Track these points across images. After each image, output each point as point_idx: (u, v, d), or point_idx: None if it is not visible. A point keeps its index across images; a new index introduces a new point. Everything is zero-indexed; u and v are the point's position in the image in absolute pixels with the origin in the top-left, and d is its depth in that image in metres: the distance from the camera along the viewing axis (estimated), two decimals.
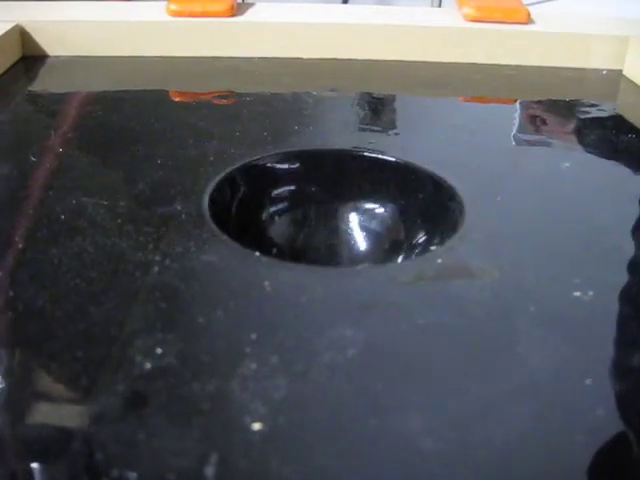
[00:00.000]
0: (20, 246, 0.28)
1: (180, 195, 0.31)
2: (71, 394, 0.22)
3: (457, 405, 0.21)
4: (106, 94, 0.44)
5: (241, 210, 0.33)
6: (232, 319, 0.24)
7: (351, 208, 0.36)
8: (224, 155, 0.35)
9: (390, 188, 0.35)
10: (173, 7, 0.50)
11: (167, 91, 0.44)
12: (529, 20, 0.52)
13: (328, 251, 0.35)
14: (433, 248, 0.31)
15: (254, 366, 0.22)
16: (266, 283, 0.26)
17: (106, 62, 0.48)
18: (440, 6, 0.59)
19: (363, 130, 0.41)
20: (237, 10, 0.50)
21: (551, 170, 0.37)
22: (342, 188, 0.36)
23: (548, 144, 0.41)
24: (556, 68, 0.50)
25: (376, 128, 0.41)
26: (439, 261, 0.28)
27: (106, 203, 0.31)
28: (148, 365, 0.22)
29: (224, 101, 0.43)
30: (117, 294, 0.25)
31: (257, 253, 0.27)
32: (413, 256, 0.32)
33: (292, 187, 0.35)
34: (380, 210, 0.36)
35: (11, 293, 0.26)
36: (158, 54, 0.49)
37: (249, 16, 0.50)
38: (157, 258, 0.27)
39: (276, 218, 0.35)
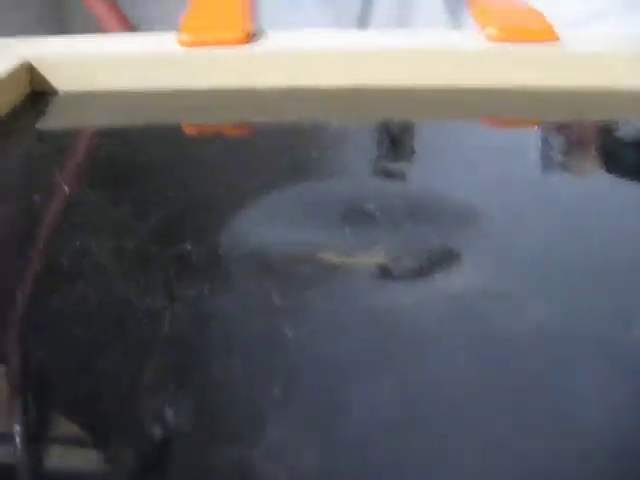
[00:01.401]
0: (19, 293, 0.26)
1: (191, 233, 0.29)
2: (72, 462, 0.20)
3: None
4: (115, 129, 0.42)
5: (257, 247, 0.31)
6: (251, 372, 0.22)
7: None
8: (238, 189, 0.33)
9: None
10: (184, 37, 0.48)
11: (179, 125, 0.43)
12: (556, 39, 0.50)
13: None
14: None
15: (277, 430, 0.19)
16: (286, 330, 0.23)
17: (116, 96, 0.46)
18: (460, 27, 0.57)
19: (383, 158, 0.39)
20: (252, 38, 0.48)
21: (582, 196, 0.34)
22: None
23: (577, 168, 0.38)
24: (586, 88, 0.48)
25: (396, 156, 0.39)
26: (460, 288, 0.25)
27: (112, 244, 0.29)
28: (159, 429, 0.20)
29: (237, 133, 0.41)
30: (123, 346, 0.23)
31: (275, 297, 0.25)
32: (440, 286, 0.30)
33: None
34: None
35: (7, 346, 0.23)
36: (170, 86, 0.47)
37: (264, 44, 0.48)
38: (166, 304, 0.25)
39: None
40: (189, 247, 0.28)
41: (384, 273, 0.29)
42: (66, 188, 0.35)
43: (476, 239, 0.31)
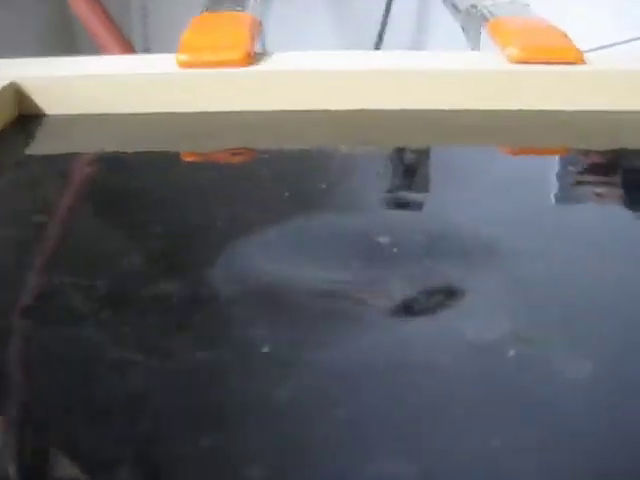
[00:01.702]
0: None
1: (177, 271, 0.26)
2: None
3: None
4: (107, 155, 0.39)
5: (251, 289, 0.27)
6: (234, 445, 0.18)
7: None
8: (235, 221, 0.30)
9: None
10: (183, 57, 0.45)
11: (175, 151, 0.39)
12: (582, 60, 0.46)
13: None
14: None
15: None
16: (281, 391, 0.20)
17: (109, 120, 0.43)
18: (479, 49, 0.54)
19: (396, 188, 0.35)
20: (254, 59, 0.45)
21: (608, 233, 0.31)
22: None
23: (605, 202, 0.35)
24: (617, 112, 0.44)
25: (411, 185, 0.35)
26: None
27: (86, 283, 0.25)
28: None
29: (238, 159, 0.37)
30: (86, 408, 0.20)
31: (266, 349, 0.21)
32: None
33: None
34: None
35: None
36: (167, 110, 0.44)
37: (268, 65, 0.45)
38: (139, 357, 0.21)
39: None
40: (171, 287, 0.25)
41: (396, 314, 0.25)
42: (49, 219, 0.32)
43: (493, 276, 0.27)
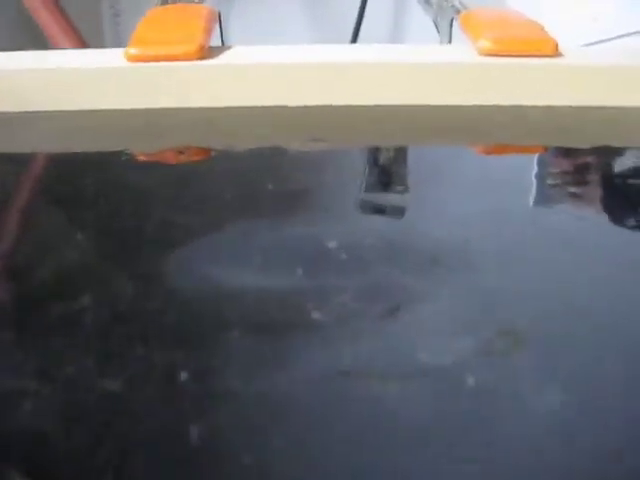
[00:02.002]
0: None
1: (94, 285, 0.23)
2: None
3: None
4: (47, 154, 0.36)
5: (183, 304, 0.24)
6: None
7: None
8: (169, 227, 0.27)
9: None
10: (132, 51, 0.42)
11: (116, 149, 0.36)
12: (557, 52, 0.43)
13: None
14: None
15: None
16: (193, 429, 0.17)
17: (48, 118, 0.40)
18: (450, 42, 0.52)
19: (360, 190, 0.32)
20: (208, 53, 0.42)
21: (586, 236, 0.28)
22: None
23: (581, 203, 0.32)
24: (593, 108, 0.42)
25: (369, 186, 0.33)
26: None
27: None
28: None
29: (184, 159, 0.34)
30: None
31: (184, 376, 0.18)
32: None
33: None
34: None
35: None
36: (112, 107, 0.41)
37: (222, 58, 0.42)
38: (34, 386, 0.18)
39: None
40: (85, 303, 0.22)
41: (340, 330, 0.22)
42: None
43: (457, 287, 0.24)
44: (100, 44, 0.88)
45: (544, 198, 0.34)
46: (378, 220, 0.30)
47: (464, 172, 0.36)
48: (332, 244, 0.26)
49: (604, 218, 0.32)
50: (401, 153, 0.39)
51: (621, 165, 0.38)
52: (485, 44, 0.43)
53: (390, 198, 0.32)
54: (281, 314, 0.22)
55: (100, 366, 0.19)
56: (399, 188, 0.34)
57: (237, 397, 0.18)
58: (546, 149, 0.40)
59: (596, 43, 0.72)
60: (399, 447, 0.17)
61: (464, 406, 0.18)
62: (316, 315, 0.22)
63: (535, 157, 0.40)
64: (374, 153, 0.38)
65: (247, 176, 0.32)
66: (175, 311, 0.23)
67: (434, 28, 0.65)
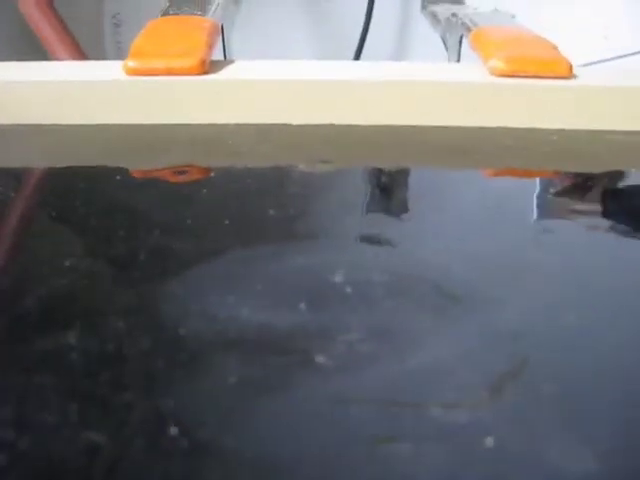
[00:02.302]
0: None
1: (80, 318, 0.21)
2: None
3: None
4: (42, 170, 0.35)
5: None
6: None
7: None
8: (162, 253, 0.25)
9: None
10: (131, 64, 0.40)
11: (112, 166, 0.35)
12: (571, 74, 0.42)
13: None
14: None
15: None
16: None
17: (43, 131, 0.38)
18: (459, 60, 0.50)
19: (366, 213, 0.31)
20: (209, 67, 0.41)
21: (601, 274, 0.26)
22: None
23: (598, 237, 0.30)
24: (609, 132, 0.40)
25: (381, 211, 0.31)
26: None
27: None
28: None
29: (180, 178, 0.33)
30: None
31: (175, 430, 0.17)
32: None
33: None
34: None
35: None
36: (110, 121, 0.39)
37: (224, 74, 0.41)
38: (10, 436, 0.16)
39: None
40: (70, 339, 0.20)
41: (344, 373, 0.20)
42: None
43: (462, 327, 0.23)
44: (101, 55, 0.86)
45: (546, 217, 0.32)
46: (380, 246, 0.29)
47: (465, 194, 0.35)
48: (335, 275, 0.25)
49: (609, 234, 0.30)
50: (403, 175, 0.37)
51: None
52: (497, 64, 0.42)
53: (380, 225, 0.30)
54: (282, 355, 0.21)
55: (83, 415, 0.17)
56: (400, 211, 0.32)
57: (232, 454, 0.16)
58: (557, 174, 0.38)
59: (607, 60, 0.71)
60: None
61: (480, 468, 0.17)
62: (320, 358, 0.20)
63: (545, 181, 0.38)
64: (376, 175, 0.37)
65: (247, 199, 0.30)
66: (165, 352, 0.21)
67: (440, 45, 0.63)
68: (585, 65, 0.56)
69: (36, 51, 0.67)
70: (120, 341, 0.20)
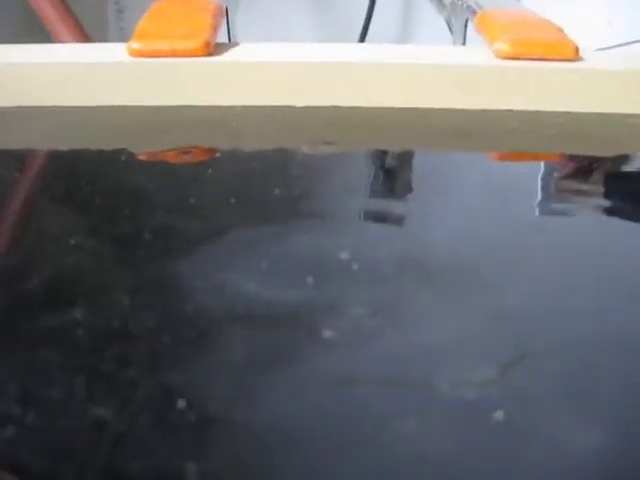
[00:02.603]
0: None
1: (87, 296, 0.21)
2: None
3: None
4: (47, 151, 0.35)
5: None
6: None
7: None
8: (167, 232, 0.25)
9: None
10: (135, 46, 0.40)
11: (117, 148, 0.34)
12: (577, 56, 0.42)
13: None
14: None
15: None
16: (190, 466, 0.15)
17: (47, 114, 0.38)
18: (464, 44, 0.50)
19: (369, 195, 0.31)
20: (214, 49, 0.41)
21: (608, 255, 0.26)
22: None
23: (605, 219, 0.30)
24: (617, 115, 0.40)
25: (386, 192, 0.31)
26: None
27: None
28: None
29: (184, 159, 0.33)
30: None
31: (182, 404, 0.17)
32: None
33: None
34: None
35: None
36: (114, 103, 0.39)
37: (228, 56, 0.40)
38: (17, 412, 0.16)
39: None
40: (77, 315, 0.20)
41: (350, 350, 0.20)
42: None
43: (469, 306, 0.23)
44: (104, 40, 0.86)
45: (550, 202, 0.32)
46: (384, 227, 0.29)
47: (470, 177, 0.35)
48: (340, 254, 0.25)
49: (613, 219, 0.30)
50: (407, 157, 0.37)
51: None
52: (502, 46, 0.42)
53: (385, 206, 0.30)
54: (289, 330, 0.21)
55: (90, 390, 0.17)
56: (404, 193, 0.32)
57: (241, 428, 0.16)
58: (564, 157, 0.38)
59: (611, 48, 0.70)
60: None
61: (487, 440, 0.17)
62: (327, 333, 0.20)
63: (551, 164, 0.38)
64: (380, 157, 0.36)
65: (253, 179, 0.30)
66: (173, 328, 0.21)
67: (445, 29, 0.63)
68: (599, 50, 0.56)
69: (39, 33, 0.66)
70: (125, 318, 0.20)
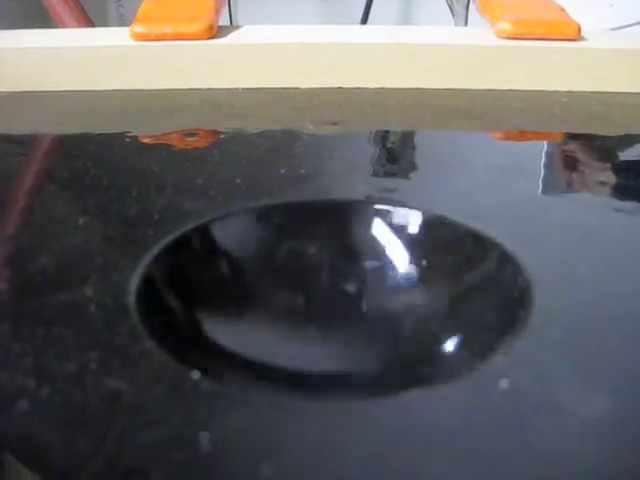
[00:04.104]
0: None
1: (97, 273, 0.21)
2: None
3: None
4: (52, 135, 0.35)
5: (188, 298, 0.22)
6: None
7: (362, 288, 0.25)
8: (175, 211, 0.25)
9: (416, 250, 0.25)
10: (138, 29, 0.40)
11: (122, 131, 0.35)
12: (580, 36, 0.42)
13: (326, 363, 0.24)
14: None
15: None
16: (205, 435, 0.15)
17: (51, 98, 0.38)
18: (466, 25, 0.50)
19: (374, 174, 0.31)
20: (217, 32, 0.41)
21: (612, 233, 0.26)
22: (345, 261, 0.25)
23: (606, 196, 0.30)
24: (620, 94, 0.40)
25: (391, 171, 0.31)
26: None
27: None
28: None
29: (190, 141, 0.33)
30: None
31: (196, 374, 0.17)
32: (461, 365, 0.21)
33: (270, 261, 0.24)
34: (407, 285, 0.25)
35: None
36: (118, 87, 0.39)
37: (232, 38, 0.40)
38: (31, 384, 0.17)
39: (243, 309, 0.24)
40: (89, 293, 0.20)
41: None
42: None
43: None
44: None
45: (564, 190, 0.32)
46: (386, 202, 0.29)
47: (473, 155, 0.35)
48: (345, 225, 0.25)
49: (616, 204, 0.30)
50: (409, 137, 0.37)
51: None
52: (505, 26, 0.42)
53: (397, 182, 0.30)
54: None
55: (104, 363, 0.17)
56: (407, 172, 0.32)
57: (255, 398, 0.16)
58: (566, 136, 0.38)
59: (613, 29, 0.70)
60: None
61: (496, 410, 0.17)
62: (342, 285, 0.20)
63: (554, 144, 0.38)
64: (383, 137, 0.36)
65: (257, 160, 0.30)
66: (184, 302, 0.22)
67: (446, 13, 0.63)
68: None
69: (43, 20, 0.66)
70: (131, 292, 0.20)
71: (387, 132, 0.36)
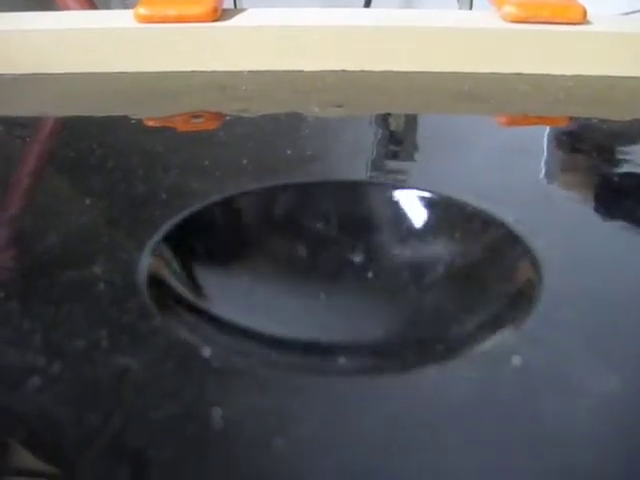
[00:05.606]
0: None
1: (105, 252, 0.21)
2: None
3: None
4: (56, 117, 0.35)
5: (195, 276, 0.22)
6: None
7: (370, 268, 0.24)
8: (182, 192, 0.25)
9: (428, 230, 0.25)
10: (142, 11, 0.40)
11: (128, 113, 0.34)
12: (585, 20, 0.42)
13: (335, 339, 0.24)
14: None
15: None
16: (217, 411, 0.15)
17: (55, 80, 0.38)
18: (471, 9, 0.50)
19: (378, 156, 0.31)
20: (221, 14, 0.40)
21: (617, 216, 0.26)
22: (352, 242, 0.25)
23: (611, 179, 0.30)
24: (623, 78, 0.40)
25: (395, 153, 0.31)
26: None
27: None
28: None
29: (195, 122, 0.33)
30: None
31: (207, 351, 0.17)
32: (472, 345, 0.21)
33: (277, 240, 0.24)
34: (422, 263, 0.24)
35: None
36: (122, 69, 0.39)
37: (236, 21, 0.40)
38: (42, 362, 0.17)
39: (254, 285, 0.24)
40: (97, 271, 0.20)
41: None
42: None
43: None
44: None
45: (569, 173, 0.32)
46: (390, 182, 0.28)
47: (478, 138, 0.35)
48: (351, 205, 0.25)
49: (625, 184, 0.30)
50: (412, 121, 0.37)
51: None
52: (510, 10, 0.42)
53: (393, 167, 0.30)
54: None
55: (113, 340, 0.17)
56: (408, 156, 0.32)
57: (265, 375, 0.16)
58: (572, 120, 0.38)
59: (623, 14, 0.70)
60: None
61: (509, 386, 0.17)
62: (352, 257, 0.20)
63: (559, 128, 0.38)
64: (388, 120, 0.36)
65: (263, 142, 0.30)
66: (193, 280, 0.22)
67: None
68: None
69: (45, 2, 0.66)
70: (140, 271, 0.20)
71: (392, 115, 0.36)
